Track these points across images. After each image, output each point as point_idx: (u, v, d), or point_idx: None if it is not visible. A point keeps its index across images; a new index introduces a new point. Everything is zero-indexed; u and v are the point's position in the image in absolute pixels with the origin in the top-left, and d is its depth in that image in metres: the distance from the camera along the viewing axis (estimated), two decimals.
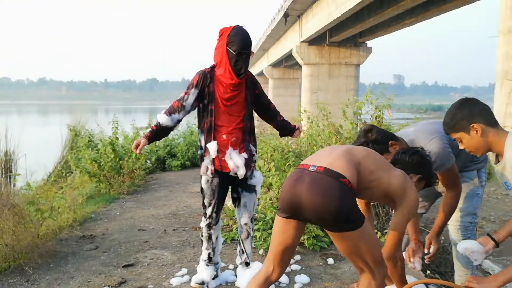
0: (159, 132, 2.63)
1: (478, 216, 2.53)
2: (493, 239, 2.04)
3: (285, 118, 2.96)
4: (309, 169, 1.75)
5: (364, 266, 1.81)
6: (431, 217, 4.24)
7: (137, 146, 2.54)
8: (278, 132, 3.00)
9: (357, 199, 2.19)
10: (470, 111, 1.83)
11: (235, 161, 2.59)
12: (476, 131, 1.81)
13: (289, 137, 3.05)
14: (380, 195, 1.91)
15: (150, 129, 2.64)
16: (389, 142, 2.21)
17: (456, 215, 2.48)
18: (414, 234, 2.45)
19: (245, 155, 2.65)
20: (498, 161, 1.87)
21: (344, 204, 1.66)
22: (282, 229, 1.89)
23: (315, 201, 1.67)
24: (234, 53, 2.48)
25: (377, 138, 2.18)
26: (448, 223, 2.50)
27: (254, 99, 2.72)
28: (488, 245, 2.01)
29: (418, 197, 1.93)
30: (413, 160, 2.04)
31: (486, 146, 1.84)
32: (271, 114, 2.87)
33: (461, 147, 1.90)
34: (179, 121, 2.64)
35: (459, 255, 2.49)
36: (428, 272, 3.17)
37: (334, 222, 1.69)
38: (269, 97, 2.88)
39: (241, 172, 2.60)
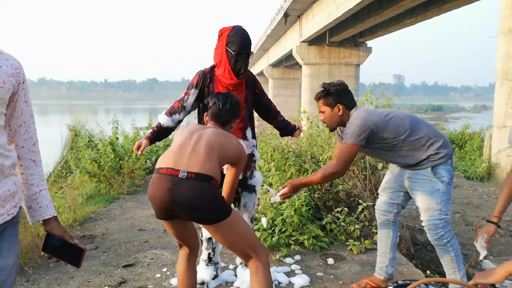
0: (160, 133, 2.63)
1: (448, 213, 2.46)
2: (493, 222, 2.08)
3: (285, 118, 2.96)
4: (179, 176, 1.88)
5: (248, 250, 2.00)
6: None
7: (138, 147, 2.54)
8: (278, 132, 3.00)
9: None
10: None
11: None
12: None
13: (290, 137, 3.05)
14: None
15: (151, 130, 2.64)
16: (338, 105, 2.47)
17: (422, 215, 2.46)
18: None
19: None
20: None
21: (215, 202, 1.91)
22: (169, 230, 2.12)
23: (193, 206, 1.87)
24: (233, 53, 2.48)
25: (333, 92, 2.48)
26: (422, 224, 2.52)
27: (254, 99, 2.72)
28: (490, 231, 2.08)
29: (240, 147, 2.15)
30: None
31: None
32: (271, 114, 2.87)
33: None
34: (179, 121, 2.64)
35: (442, 255, 2.49)
36: (428, 272, 3.17)
37: (209, 218, 1.91)
38: (269, 97, 2.88)
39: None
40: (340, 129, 2.66)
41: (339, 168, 2.42)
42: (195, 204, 1.85)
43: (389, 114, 2.48)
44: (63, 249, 1.45)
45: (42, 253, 1.45)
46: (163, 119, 2.58)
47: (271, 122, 2.92)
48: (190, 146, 1.96)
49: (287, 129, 2.92)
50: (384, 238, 2.70)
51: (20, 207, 1.43)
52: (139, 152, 2.53)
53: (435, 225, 2.42)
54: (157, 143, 8.49)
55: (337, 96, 2.47)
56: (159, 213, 1.96)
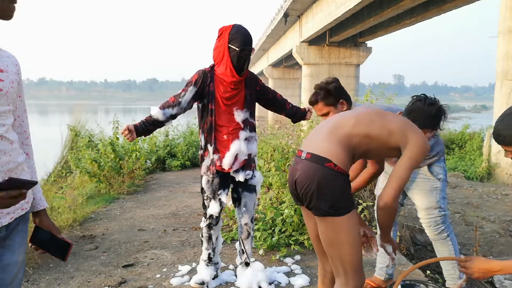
0: (148, 123, 2.56)
1: (446, 209, 2.49)
2: None
3: (293, 104, 2.96)
4: (301, 156, 1.77)
5: (341, 266, 1.76)
6: None
7: (127, 130, 2.47)
8: (290, 120, 3.01)
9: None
10: None
11: (232, 149, 2.60)
12: None
13: (288, 137, 3.06)
14: (384, 150, 1.79)
15: (141, 120, 2.59)
16: (340, 100, 2.37)
17: (422, 214, 2.49)
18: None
19: (246, 156, 2.65)
20: None
21: (326, 188, 1.67)
22: (305, 218, 1.94)
23: (303, 187, 1.71)
24: (237, 49, 2.48)
25: (332, 90, 2.37)
26: (421, 222, 2.53)
27: (256, 96, 2.72)
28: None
29: (425, 141, 1.74)
30: (431, 112, 1.94)
31: None
32: (279, 105, 2.87)
33: (509, 156, 1.75)
34: (172, 116, 2.59)
35: (441, 250, 2.50)
36: (428, 272, 3.17)
37: (317, 205, 1.70)
38: (273, 89, 2.88)
39: (227, 162, 2.60)
40: None
41: (380, 168, 2.31)
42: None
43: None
44: (50, 242, 1.47)
45: (30, 244, 1.46)
46: (154, 111, 2.57)
47: (281, 112, 2.93)
48: None
49: (297, 114, 2.93)
50: None
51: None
52: (127, 132, 2.45)
53: (436, 221, 2.45)
54: (157, 143, 8.57)
55: (338, 92, 2.41)
56: None
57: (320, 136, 1.77)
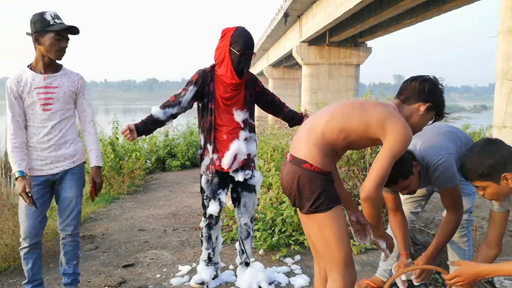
0: (149, 122, 2.57)
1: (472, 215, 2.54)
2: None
3: (291, 108, 2.96)
4: (287, 158, 1.88)
5: (331, 262, 1.80)
6: (431, 217, 4.24)
7: (128, 130, 2.48)
8: (287, 123, 3.01)
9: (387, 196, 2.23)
10: (501, 157, 1.67)
11: (232, 148, 2.60)
12: (507, 180, 1.67)
13: (290, 138, 3.06)
14: (366, 140, 1.79)
15: (141, 120, 2.60)
16: (413, 163, 2.12)
17: None
18: (404, 249, 2.34)
19: (245, 156, 2.65)
20: None
21: (305, 188, 1.75)
22: (301, 218, 1.97)
23: (287, 188, 1.84)
24: (237, 53, 2.48)
25: (402, 161, 2.00)
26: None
27: (255, 97, 2.72)
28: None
29: (406, 130, 1.70)
30: (423, 88, 1.82)
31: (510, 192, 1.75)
32: (277, 107, 2.88)
33: (480, 193, 1.78)
34: (172, 115, 2.59)
35: (456, 253, 2.50)
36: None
37: (300, 204, 1.80)
38: (271, 92, 2.88)
39: (226, 162, 2.60)
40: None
41: (461, 213, 2.24)
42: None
43: (437, 131, 2.35)
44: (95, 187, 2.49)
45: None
46: (155, 110, 2.58)
47: (278, 115, 2.93)
48: None
49: (294, 118, 2.93)
50: (396, 245, 2.68)
51: (80, 164, 2.45)
52: (128, 132, 2.47)
53: (462, 225, 2.46)
54: (157, 143, 8.57)
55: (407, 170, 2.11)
56: None
57: (301, 138, 1.84)
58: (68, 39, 2.32)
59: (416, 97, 1.83)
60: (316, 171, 1.74)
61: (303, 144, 1.80)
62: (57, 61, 2.35)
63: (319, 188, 1.74)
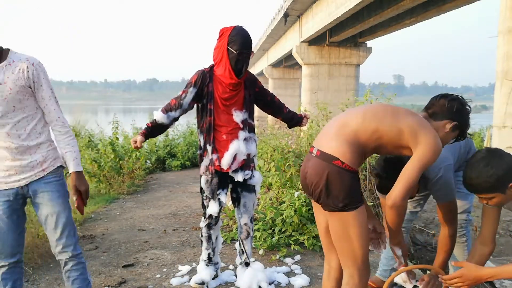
0: (154, 129, 2.63)
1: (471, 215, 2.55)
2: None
3: (291, 110, 2.96)
4: (312, 153, 1.82)
5: (349, 259, 1.81)
6: (431, 217, 4.25)
7: (135, 143, 2.57)
8: (286, 124, 3.01)
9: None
10: (507, 168, 1.68)
11: (232, 148, 2.60)
12: None
13: (289, 138, 3.06)
14: (394, 147, 1.80)
15: (145, 126, 2.65)
16: None
17: None
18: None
19: (245, 156, 2.65)
20: None
21: (334, 185, 1.72)
22: (315, 211, 1.97)
23: (313, 184, 1.77)
24: (235, 52, 2.48)
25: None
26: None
27: (255, 97, 2.73)
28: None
29: (437, 143, 1.73)
30: (452, 106, 1.84)
31: None
32: (276, 108, 2.88)
33: (483, 202, 1.80)
34: (175, 119, 2.63)
35: (455, 253, 2.51)
36: (428, 272, 3.17)
37: (326, 201, 1.76)
38: (271, 92, 2.88)
39: (226, 162, 2.60)
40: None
41: (456, 226, 2.25)
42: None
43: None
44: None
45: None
46: (158, 115, 2.59)
47: (278, 116, 2.93)
48: None
49: (294, 120, 2.93)
50: None
51: (54, 170, 1.98)
52: (138, 144, 2.55)
53: (460, 225, 2.47)
54: (157, 143, 8.57)
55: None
56: None
57: (329, 134, 1.81)
58: None
59: (444, 114, 1.86)
60: (347, 169, 1.72)
61: (333, 140, 1.76)
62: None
63: (348, 187, 1.73)
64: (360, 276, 1.83)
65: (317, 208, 1.94)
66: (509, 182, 1.68)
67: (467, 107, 1.90)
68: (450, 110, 1.85)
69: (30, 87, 1.87)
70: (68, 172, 2.07)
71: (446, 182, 2.15)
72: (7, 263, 1.96)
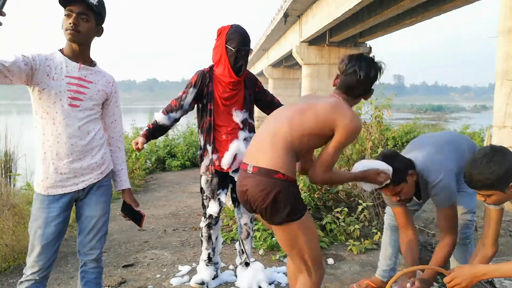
0: (155, 131, 2.65)
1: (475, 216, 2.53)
2: None
3: None
4: (248, 170, 1.79)
5: (303, 264, 1.83)
6: (431, 217, 4.25)
7: (136, 144, 2.59)
8: None
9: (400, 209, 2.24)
10: (509, 166, 1.66)
11: (231, 148, 2.60)
12: None
13: None
14: (324, 140, 1.82)
15: (147, 128, 2.66)
16: (409, 172, 2.15)
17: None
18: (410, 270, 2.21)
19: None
20: None
21: (281, 200, 1.72)
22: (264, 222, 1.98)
23: (257, 201, 1.75)
24: (233, 50, 2.49)
25: (397, 166, 2.08)
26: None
27: (254, 97, 2.72)
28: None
29: (354, 123, 1.76)
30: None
31: None
32: (276, 108, 2.87)
33: (481, 199, 1.78)
34: (176, 120, 2.65)
35: (457, 255, 2.50)
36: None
37: (273, 217, 1.76)
38: (271, 93, 2.88)
39: (225, 162, 2.60)
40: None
41: (455, 235, 2.22)
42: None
43: (440, 146, 2.33)
44: (131, 212, 2.12)
45: (119, 213, 2.16)
46: (159, 117, 2.61)
47: None
48: None
49: None
50: (392, 243, 2.67)
51: (108, 173, 2.00)
52: (139, 145, 2.57)
53: (466, 225, 2.45)
54: (157, 143, 8.57)
55: (404, 165, 2.16)
56: None
57: (263, 146, 1.79)
58: (84, 14, 1.78)
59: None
60: (289, 180, 1.73)
61: (269, 152, 1.75)
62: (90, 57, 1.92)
63: (293, 198, 1.75)
64: (316, 277, 1.86)
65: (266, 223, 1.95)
66: (510, 181, 1.67)
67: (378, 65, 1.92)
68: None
69: (107, 99, 1.98)
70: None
71: (445, 186, 2.13)
72: (35, 278, 1.85)
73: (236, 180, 2.67)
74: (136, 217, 2.13)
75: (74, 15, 1.76)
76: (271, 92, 2.89)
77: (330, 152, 1.78)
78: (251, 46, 2.60)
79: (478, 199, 1.83)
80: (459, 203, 2.42)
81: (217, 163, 2.62)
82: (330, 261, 3.20)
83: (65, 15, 1.78)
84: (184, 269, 3.06)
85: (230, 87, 2.58)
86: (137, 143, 2.58)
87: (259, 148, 1.81)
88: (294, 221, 1.75)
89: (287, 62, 33.49)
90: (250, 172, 1.77)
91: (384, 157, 2.14)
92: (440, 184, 2.14)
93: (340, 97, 1.87)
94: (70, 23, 1.76)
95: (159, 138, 8.86)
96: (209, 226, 2.74)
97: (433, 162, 2.20)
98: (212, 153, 2.62)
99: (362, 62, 1.86)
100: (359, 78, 1.84)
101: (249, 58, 2.64)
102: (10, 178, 5.70)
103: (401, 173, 2.10)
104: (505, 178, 1.67)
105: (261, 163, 1.74)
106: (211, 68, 2.63)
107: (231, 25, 2.55)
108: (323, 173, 1.79)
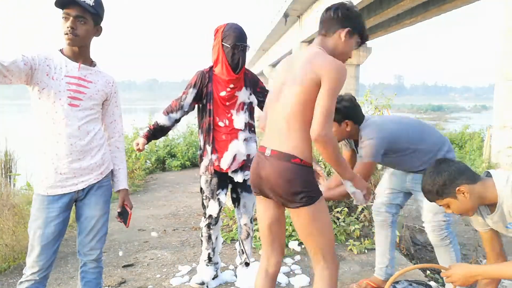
0: (156, 132, 2.68)
1: (450, 215, 2.50)
2: None
3: None
4: (266, 153, 1.81)
5: (319, 253, 1.82)
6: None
7: (137, 145, 2.62)
8: None
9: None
10: (449, 174, 1.75)
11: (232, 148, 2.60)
12: (463, 193, 1.73)
13: None
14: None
15: (148, 129, 2.70)
16: (345, 120, 2.41)
17: (427, 217, 2.47)
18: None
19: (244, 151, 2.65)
20: (491, 212, 1.79)
21: (297, 183, 1.73)
22: (261, 207, 1.96)
23: (273, 185, 1.77)
24: (229, 46, 2.50)
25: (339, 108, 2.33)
26: (423, 225, 2.55)
27: (256, 97, 2.72)
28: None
29: (337, 69, 1.72)
30: (337, 14, 1.83)
31: (476, 204, 1.77)
32: None
33: (448, 211, 1.84)
34: (176, 120, 2.67)
35: (443, 257, 2.50)
36: (428, 272, 3.17)
37: (290, 199, 1.76)
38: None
39: (225, 163, 2.61)
40: (346, 139, 2.62)
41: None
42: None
43: (399, 124, 2.46)
44: (124, 213, 2.16)
45: (115, 215, 2.16)
46: (160, 118, 2.64)
47: None
48: None
49: None
50: (383, 239, 2.70)
51: (108, 173, 2.01)
52: (141, 147, 2.61)
53: (440, 226, 2.44)
54: (157, 143, 8.57)
55: (345, 112, 2.40)
56: None
57: (281, 130, 1.78)
58: (81, 17, 1.78)
59: (334, 25, 1.84)
60: (305, 165, 1.74)
61: (287, 137, 1.75)
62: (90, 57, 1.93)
63: (309, 181, 1.76)
64: (333, 267, 1.84)
65: (262, 205, 1.94)
66: (455, 186, 1.74)
67: (355, 9, 1.87)
68: (337, 19, 1.83)
69: (107, 99, 1.99)
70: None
71: (371, 144, 2.30)
72: (34, 278, 1.85)
73: (235, 180, 2.67)
74: (125, 217, 2.16)
75: (71, 18, 1.77)
76: None
77: (324, 100, 1.68)
78: (251, 46, 2.61)
79: (446, 211, 1.88)
80: (429, 205, 2.43)
81: (216, 163, 2.62)
82: None
83: (62, 17, 1.79)
84: (184, 269, 3.07)
85: (229, 85, 2.58)
86: (138, 144, 2.60)
87: (278, 132, 1.80)
88: (309, 205, 1.76)
89: None
90: (269, 155, 1.78)
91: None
92: (367, 141, 2.32)
93: (316, 46, 1.85)
94: (68, 27, 1.77)
95: (159, 138, 8.85)
96: (209, 226, 2.74)
97: (376, 125, 2.40)
98: (212, 153, 2.62)
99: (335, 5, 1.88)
100: (331, 10, 1.85)
101: (247, 54, 2.63)
102: (10, 178, 5.70)
103: (341, 116, 2.40)
104: (448, 184, 1.75)
105: (281, 147, 1.76)
106: (211, 68, 2.64)
107: (227, 23, 2.57)
108: (321, 127, 1.66)
